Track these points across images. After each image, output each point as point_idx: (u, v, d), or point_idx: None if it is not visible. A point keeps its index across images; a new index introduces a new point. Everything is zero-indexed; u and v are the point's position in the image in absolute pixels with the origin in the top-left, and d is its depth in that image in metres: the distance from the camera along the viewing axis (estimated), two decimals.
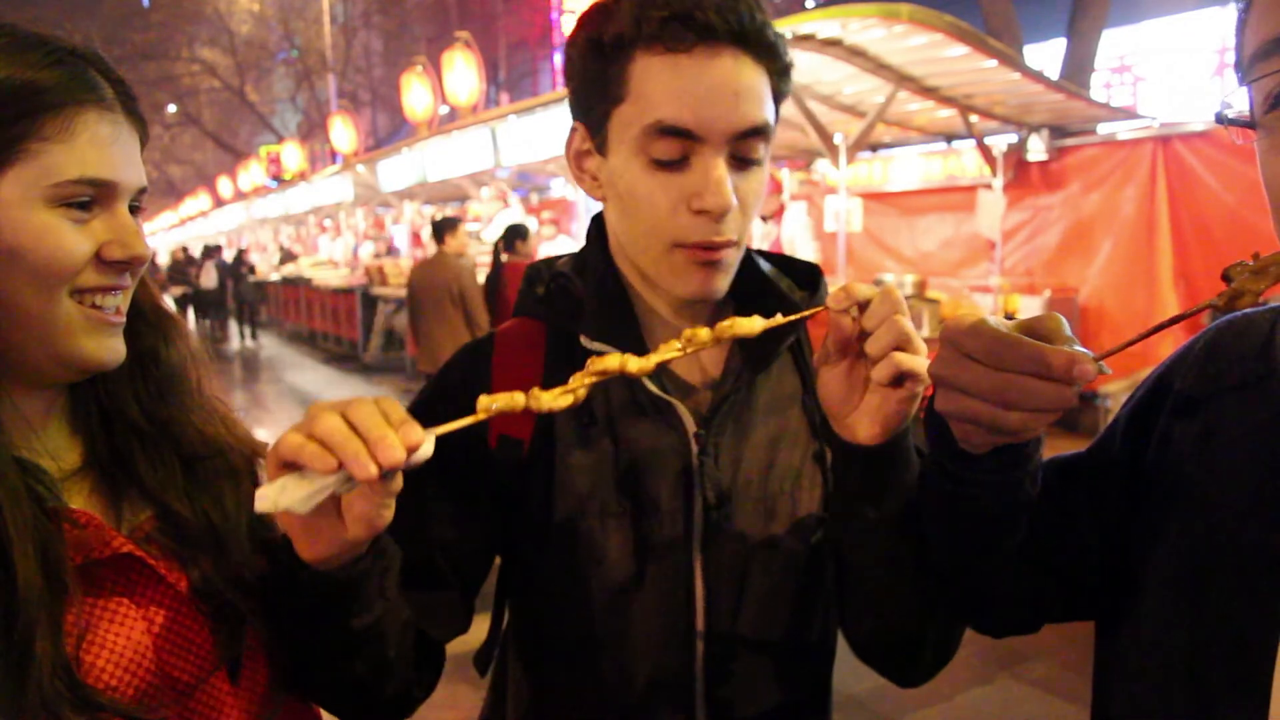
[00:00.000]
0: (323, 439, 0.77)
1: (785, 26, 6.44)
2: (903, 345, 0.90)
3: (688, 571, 1.10)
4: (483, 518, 1.15)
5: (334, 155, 19.13)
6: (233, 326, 19.88)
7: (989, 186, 8.83)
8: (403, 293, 13.33)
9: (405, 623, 1.02)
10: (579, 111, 1.11)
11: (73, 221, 0.86)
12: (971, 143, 8.99)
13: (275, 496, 0.76)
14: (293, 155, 23.99)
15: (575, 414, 1.11)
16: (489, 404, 0.86)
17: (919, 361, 0.90)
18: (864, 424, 0.97)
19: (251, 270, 19.97)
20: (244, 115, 33.12)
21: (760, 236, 9.05)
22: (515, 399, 0.87)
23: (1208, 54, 12.52)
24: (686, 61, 0.98)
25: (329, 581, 0.88)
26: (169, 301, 1.07)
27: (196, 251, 22.13)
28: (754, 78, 1.00)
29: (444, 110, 13.70)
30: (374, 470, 0.76)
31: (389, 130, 30.13)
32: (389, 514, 0.84)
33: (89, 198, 0.87)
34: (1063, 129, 8.83)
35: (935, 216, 10.19)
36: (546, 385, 1.13)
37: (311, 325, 18.11)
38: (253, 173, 27.99)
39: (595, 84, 1.05)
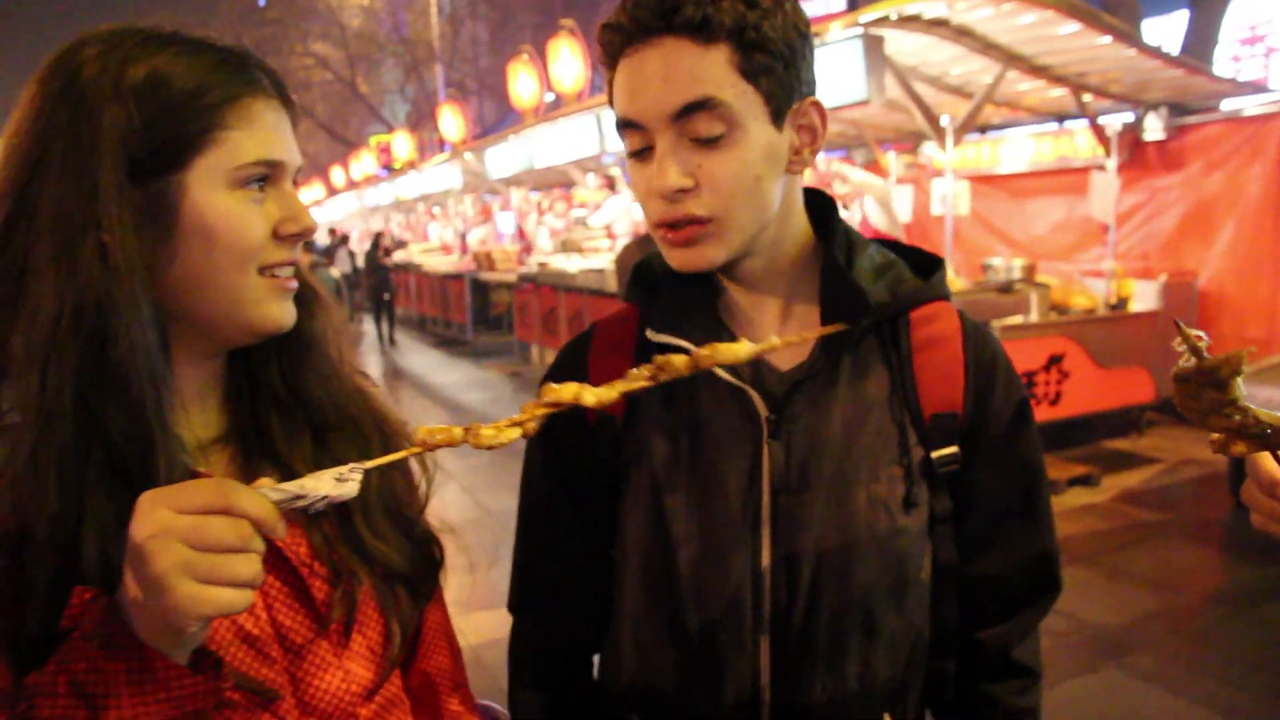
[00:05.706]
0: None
1: (891, 8, 6.35)
2: None
3: (755, 555, 1.12)
4: (601, 521, 1.24)
5: (442, 144, 19.43)
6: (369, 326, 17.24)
7: (1102, 168, 8.54)
8: (510, 277, 13.62)
9: None
10: None
11: (252, 201, 0.93)
12: (1084, 123, 8.72)
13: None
14: (402, 144, 24.55)
15: (661, 392, 1.12)
16: (429, 436, 0.84)
17: None
18: None
19: (389, 255, 17.64)
20: (355, 106, 34.02)
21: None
22: (453, 433, 0.84)
23: None
24: (628, 62, 1.06)
25: None
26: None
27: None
28: (690, 58, 1.02)
29: (549, 98, 13.89)
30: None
31: (495, 118, 30.49)
32: None
33: (263, 178, 0.94)
34: (1183, 106, 8.49)
35: (1046, 199, 9.92)
36: None
37: (420, 310, 18.62)
38: (364, 162, 28.75)
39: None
